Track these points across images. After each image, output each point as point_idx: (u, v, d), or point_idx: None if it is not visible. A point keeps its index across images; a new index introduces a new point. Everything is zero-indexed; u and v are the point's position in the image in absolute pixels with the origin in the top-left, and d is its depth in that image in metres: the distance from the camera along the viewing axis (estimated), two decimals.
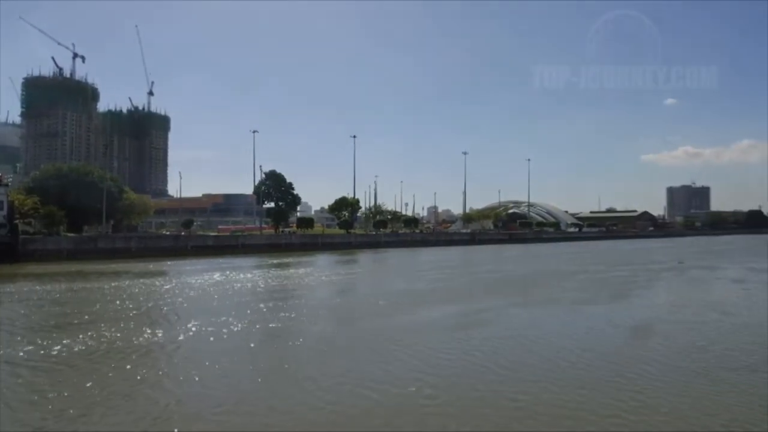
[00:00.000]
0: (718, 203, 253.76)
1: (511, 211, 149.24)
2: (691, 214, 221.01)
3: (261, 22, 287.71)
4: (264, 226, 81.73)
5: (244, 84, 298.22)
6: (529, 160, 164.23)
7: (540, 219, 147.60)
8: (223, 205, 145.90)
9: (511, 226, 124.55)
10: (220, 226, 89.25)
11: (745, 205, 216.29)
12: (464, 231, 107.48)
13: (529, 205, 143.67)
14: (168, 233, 68.90)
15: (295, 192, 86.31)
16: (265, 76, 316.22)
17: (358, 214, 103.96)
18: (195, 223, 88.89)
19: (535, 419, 8.59)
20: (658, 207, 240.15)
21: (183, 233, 68.86)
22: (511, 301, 22.72)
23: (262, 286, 29.15)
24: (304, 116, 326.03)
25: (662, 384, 10.27)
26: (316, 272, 38.00)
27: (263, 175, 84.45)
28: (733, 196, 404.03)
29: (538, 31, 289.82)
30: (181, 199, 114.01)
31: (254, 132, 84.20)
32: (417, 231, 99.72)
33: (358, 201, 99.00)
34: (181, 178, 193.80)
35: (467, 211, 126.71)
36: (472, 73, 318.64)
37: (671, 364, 11.82)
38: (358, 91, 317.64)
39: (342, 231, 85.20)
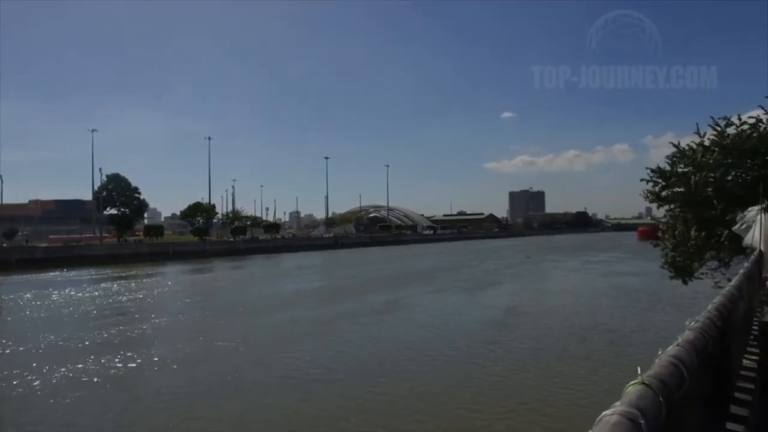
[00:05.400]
0: (552, 206, 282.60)
1: (372, 215, 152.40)
2: (530, 216, 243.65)
3: (103, 16, 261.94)
4: (105, 235, 73.60)
5: (79, 78, 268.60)
6: (387, 166, 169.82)
7: (399, 222, 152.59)
8: (55, 212, 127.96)
9: (372, 229, 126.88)
10: (51, 236, 78.21)
11: (573, 207, 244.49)
12: (327, 236, 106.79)
13: (389, 209, 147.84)
14: None
15: (141, 197, 79.00)
16: (106, 69, 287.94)
17: (215, 220, 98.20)
18: (20, 233, 77.12)
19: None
20: (501, 210, 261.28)
21: (5, 244, 59.31)
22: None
23: (101, 304, 25.45)
24: (153, 115, 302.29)
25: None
26: (166, 285, 34.55)
27: (104, 179, 76.23)
28: (563, 199, 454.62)
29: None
30: (2, 206, 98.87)
31: (93, 131, 76.24)
32: (279, 236, 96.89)
33: (214, 206, 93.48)
34: (2, 182, 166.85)
35: (330, 215, 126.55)
36: (335, 79, 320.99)
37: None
38: (212, 91, 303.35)
39: (195, 238, 79.71)
